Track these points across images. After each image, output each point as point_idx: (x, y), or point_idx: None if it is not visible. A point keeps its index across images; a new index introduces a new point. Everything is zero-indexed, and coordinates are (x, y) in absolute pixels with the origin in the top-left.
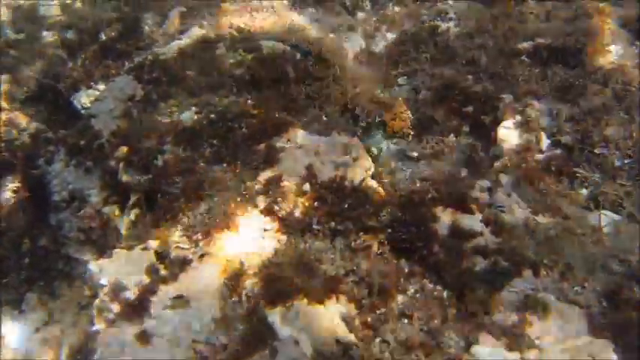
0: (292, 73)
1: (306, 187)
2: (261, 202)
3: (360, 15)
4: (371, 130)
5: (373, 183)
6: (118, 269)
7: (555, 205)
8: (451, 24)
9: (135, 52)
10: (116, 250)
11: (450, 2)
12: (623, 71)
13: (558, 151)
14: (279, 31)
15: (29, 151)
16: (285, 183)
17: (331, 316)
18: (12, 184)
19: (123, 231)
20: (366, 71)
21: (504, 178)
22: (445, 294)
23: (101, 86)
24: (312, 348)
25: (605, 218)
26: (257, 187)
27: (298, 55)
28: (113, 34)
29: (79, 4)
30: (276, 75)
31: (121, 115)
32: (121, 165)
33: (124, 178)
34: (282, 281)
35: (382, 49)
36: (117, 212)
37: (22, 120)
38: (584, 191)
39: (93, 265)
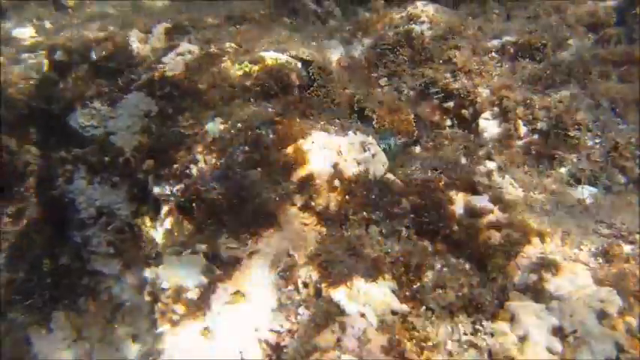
0: (297, 81)
1: (336, 183)
2: (298, 200)
3: (332, 23)
4: (381, 130)
5: (391, 176)
6: (174, 273)
7: (542, 183)
8: (424, 27)
9: (127, 69)
10: (166, 257)
11: (420, 7)
12: (583, 62)
13: (536, 137)
14: (267, 42)
15: (40, 173)
16: (317, 181)
17: (384, 291)
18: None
19: (159, 240)
20: (352, 75)
21: (491, 164)
22: (467, 266)
23: (97, 104)
24: (376, 319)
25: (586, 191)
26: (292, 186)
27: (299, 64)
28: (104, 53)
29: (49, 25)
30: (282, 84)
31: (141, 131)
32: (151, 177)
33: (155, 189)
34: (338, 265)
35: (361, 54)
36: (149, 223)
37: (12, 143)
38: (564, 170)
39: (148, 273)
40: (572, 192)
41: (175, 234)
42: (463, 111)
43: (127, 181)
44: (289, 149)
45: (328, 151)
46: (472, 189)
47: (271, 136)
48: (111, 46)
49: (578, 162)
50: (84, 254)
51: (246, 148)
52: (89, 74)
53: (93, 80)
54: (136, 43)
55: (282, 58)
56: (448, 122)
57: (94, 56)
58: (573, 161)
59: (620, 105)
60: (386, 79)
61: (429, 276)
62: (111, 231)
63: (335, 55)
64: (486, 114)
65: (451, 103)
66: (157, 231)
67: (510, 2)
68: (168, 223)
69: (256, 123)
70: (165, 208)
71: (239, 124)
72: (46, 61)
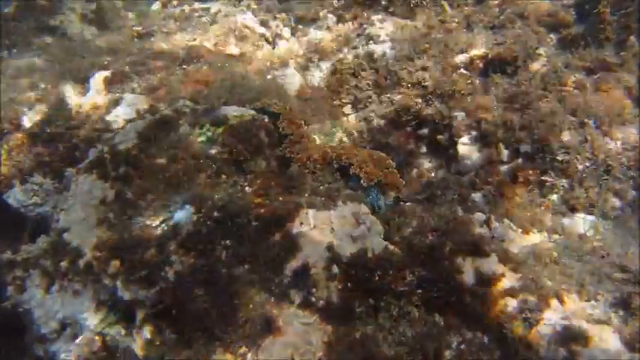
0: (265, 138)
1: (334, 269)
2: (296, 296)
3: (282, 44)
4: (368, 188)
5: (390, 246)
6: None
7: (537, 217)
8: (386, 47)
9: (68, 133)
10: None
11: (377, 24)
12: (558, 73)
13: (520, 160)
14: (223, 84)
15: None
16: (312, 270)
17: None
18: None
19: (138, 351)
20: (314, 107)
21: (476, 195)
22: (486, 339)
23: (37, 178)
24: None
25: (587, 223)
26: (286, 280)
27: (266, 118)
28: (38, 117)
29: None
30: (252, 146)
31: (99, 224)
32: (120, 281)
33: (127, 295)
34: None
35: (320, 81)
36: (123, 332)
37: None
38: (555, 197)
39: None
40: (572, 224)
41: (157, 344)
42: (439, 137)
43: (92, 287)
44: (277, 236)
45: (320, 232)
46: (476, 248)
47: (253, 223)
48: (45, 107)
49: (570, 189)
50: None
51: (229, 242)
52: (24, 144)
53: (29, 150)
54: (72, 99)
55: (247, 113)
56: (423, 149)
57: (26, 123)
58: (565, 187)
59: (605, 121)
60: (350, 106)
61: (447, 357)
62: (79, 345)
63: (293, 85)
64: (464, 138)
65: (425, 130)
66: (135, 341)
67: (468, 8)
68: (146, 332)
69: (235, 209)
70: (140, 316)
71: (215, 214)
72: None
